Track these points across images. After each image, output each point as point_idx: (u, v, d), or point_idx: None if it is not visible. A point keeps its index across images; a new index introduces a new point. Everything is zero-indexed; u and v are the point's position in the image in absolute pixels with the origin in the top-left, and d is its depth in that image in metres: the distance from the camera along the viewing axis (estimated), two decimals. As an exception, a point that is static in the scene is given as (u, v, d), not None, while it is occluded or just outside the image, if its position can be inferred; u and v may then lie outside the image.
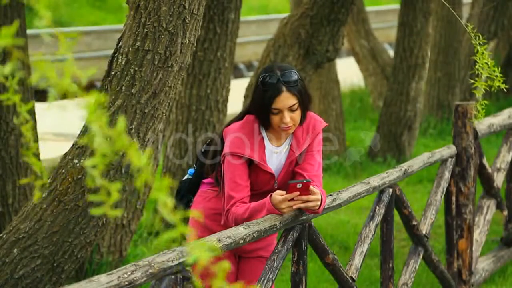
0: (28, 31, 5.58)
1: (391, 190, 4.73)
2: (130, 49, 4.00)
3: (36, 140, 5.30)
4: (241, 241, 3.49)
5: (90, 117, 1.75)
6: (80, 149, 4.04)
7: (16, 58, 1.79)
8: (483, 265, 6.03)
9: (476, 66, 4.51)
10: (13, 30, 1.74)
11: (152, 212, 6.90)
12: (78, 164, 4.03)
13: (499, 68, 4.63)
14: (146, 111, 4.04)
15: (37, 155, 5.31)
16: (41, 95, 10.86)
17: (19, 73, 1.83)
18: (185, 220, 4.11)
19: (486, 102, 4.69)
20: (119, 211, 1.85)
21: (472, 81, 4.68)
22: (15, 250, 4.08)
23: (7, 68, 1.80)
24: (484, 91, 4.65)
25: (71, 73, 1.77)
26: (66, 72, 1.75)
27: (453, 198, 5.59)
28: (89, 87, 14.49)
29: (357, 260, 4.43)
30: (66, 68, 1.75)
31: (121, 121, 1.73)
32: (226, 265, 1.77)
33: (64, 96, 1.82)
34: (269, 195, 3.70)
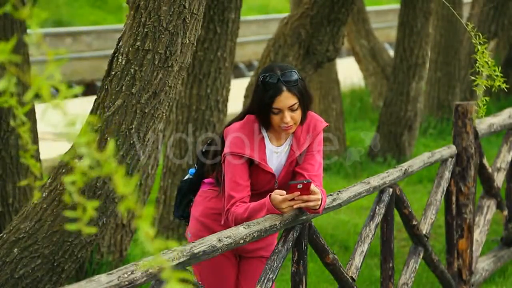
0: (29, 31, 5.57)
1: (391, 190, 4.73)
2: (130, 49, 4.00)
3: (36, 140, 5.30)
4: (241, 241, 3.49)
5: (79, 139, 1.76)
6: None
7: (12, 74, 1.79)
8: (483, 265, 6.03)
9: (477, 65, 4.51)
10: (10, 46, 1.74)
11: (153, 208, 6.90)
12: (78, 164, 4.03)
13: (500, 68, 4.63)
14: (146, 111, 4.04)
15: (36, 156, 5.31)
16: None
17: (14, 86, 1.83)
18: (186, 219, 4.12)
19: (487, 98, 4.68)
20: (95, 229, 1.86)
21: (473, 78, 4.67)
22: (15, 250, 4.08)
23: (1, 84, 1.80)
24: (484, 89, 4.64)
25: (64, 86, 1.77)
26: (61, 93, 1.75)
27: (453, 198, 5.59)
28: (89, 87, 14.48)
29: (357, 260, 4.43)
30: (54, 84, 1.75)
31: (110, 145, 1.73)
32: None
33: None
34: (269, 195, 3.70)
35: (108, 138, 3.99)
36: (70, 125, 1.74)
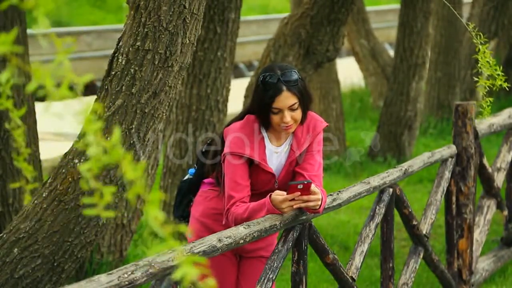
0: (29, 31, 5.57)
1: (391, 190, 4.73)
2: (130, 49, 4.00)
3: (36, 140, 5.29)
4: (242, 241, 3.49)
5: (86, 127, 1.75)
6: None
7: (14, 65, 1.78)
8: (483, 265, 6.03)
9: (478, 65, 4.50)
10: (12, 37, 1.73)
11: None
12: (78, 164, 4.03)
13: (500, 68, 4.62)
14: (146, 111, 4.04)
15: (36, 156, 5.30)
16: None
17: (16, 80, 1.82)
18: (186, 219, 4.11)
19: (491, 99, 4.67)
20: (112, 213, 1.85)
21: (476, 79, 4.66)
22: (15, 250, 4.08)
23: (4, 76, 1.79)
24: (487, 89, 4.64)
25: (68, 79, 1.77)
26: (64, 83, 1.75)
27: (453, 198, 5.59)
28: (89, 87, 14.48)
29: (357, 260, 4.43)
30: (64, 73, 1.75)
31: (116, 132, 1.73)
32: (212, 283, 1.78)
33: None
34: (269, 195, 3.70)
35: (109, 137, 3.99)
36: (79, 113, 1.73)
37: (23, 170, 2.15)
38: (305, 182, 3.62)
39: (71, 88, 1.80)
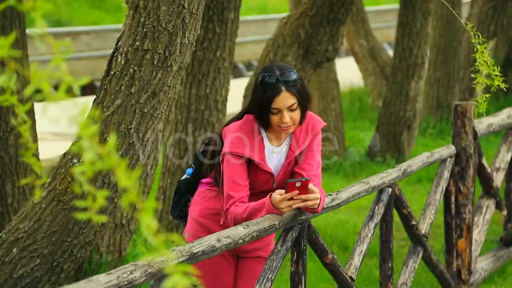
0: (28, 31, 5.56)
1: (390, 190, 4.73)
2: (130, 48, 4.00)
3: (35, 140, 5.30)
4: (241, 241, 3.49)
5: (81, 132, 1.75)
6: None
7: (12, 69, 1.79)
8: (482, 264, 6.03)
9: (476, 63, 4.50)
10: (10, 41, 1.73)
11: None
12: (77, 164, 4.03)
13: (499, 68, 4.62)
14: (145, 110, 4.04)
15: (36, 155, 5.30)
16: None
17: (15, 83, 1.83)
18: (184, 219, 4.11)
19: (487, 96, 4.67)
20: (105, 217, 1.85)
21: (473, 75, 4.66)
22: (14, 250, 4.08)
23: (2, 79, 1.79)
24: (484, 86, 4.63)
25: (65, 82, 1.77)
26: (61, 87, 1.75)
27: (453, 198, 5.59)
28: (88, 87, 14.48)
29: (357, 259, 4.43)
30: (60, 75, 1.75)
31: (112, 139, 1.73)
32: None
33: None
34: (269, 194, 3.69)
35: (108, 137, 3.99)
36: (74, 117, 1.74)
37: (32, 165, 2.15)
38: (303, 180, 3.62)
39: (69, 89, 1.80)
